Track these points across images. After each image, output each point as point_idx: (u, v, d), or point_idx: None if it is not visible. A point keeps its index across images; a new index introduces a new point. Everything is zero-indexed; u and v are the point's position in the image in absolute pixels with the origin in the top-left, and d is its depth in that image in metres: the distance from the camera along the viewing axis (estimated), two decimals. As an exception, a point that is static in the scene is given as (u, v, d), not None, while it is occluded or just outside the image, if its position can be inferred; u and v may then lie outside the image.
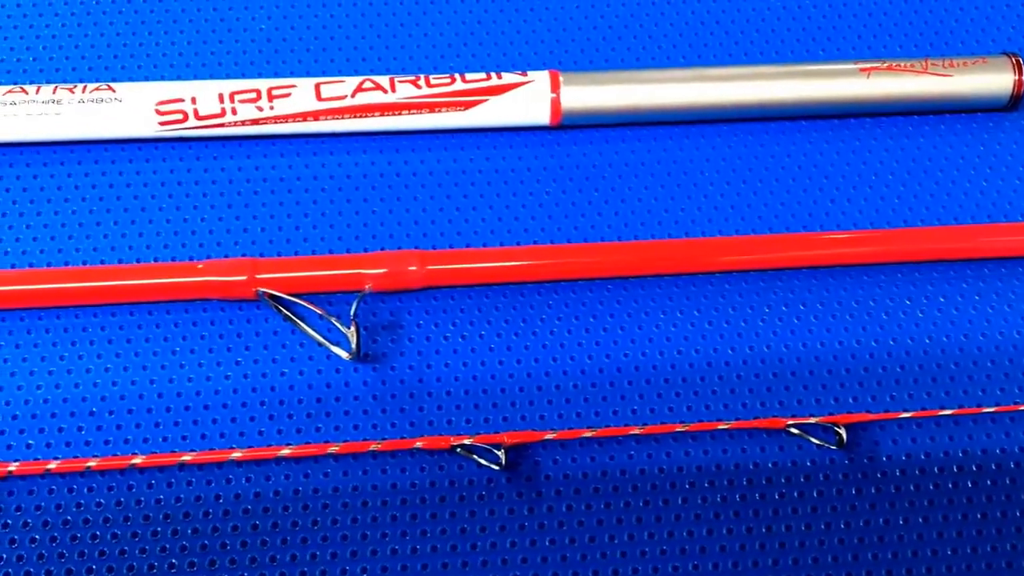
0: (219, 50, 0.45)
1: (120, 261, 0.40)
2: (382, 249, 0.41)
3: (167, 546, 0.36)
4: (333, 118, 0.42)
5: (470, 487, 0.37)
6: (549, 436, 0.37)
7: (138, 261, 0.40)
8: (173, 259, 0.41)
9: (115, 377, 0.38)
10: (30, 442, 0.37)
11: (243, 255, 0.41)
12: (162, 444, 0.37)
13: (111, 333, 0.39)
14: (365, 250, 0.41)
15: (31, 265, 0.40)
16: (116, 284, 0.39)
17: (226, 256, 0.41)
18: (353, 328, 0.38)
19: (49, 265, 0.40)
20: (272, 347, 0.39)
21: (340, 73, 0.44)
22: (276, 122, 0.42)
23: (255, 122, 0.42)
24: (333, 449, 0.37)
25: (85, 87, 0.41)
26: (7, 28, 0.44)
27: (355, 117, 0.42)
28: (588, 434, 0.37)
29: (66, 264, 0.40)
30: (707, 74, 0.43)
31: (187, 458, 0.36)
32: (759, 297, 0.40)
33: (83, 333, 0.39)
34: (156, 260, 0.40)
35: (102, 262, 0.40)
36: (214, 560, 0.36)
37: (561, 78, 0.42)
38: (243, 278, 0.38)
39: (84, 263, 0.40)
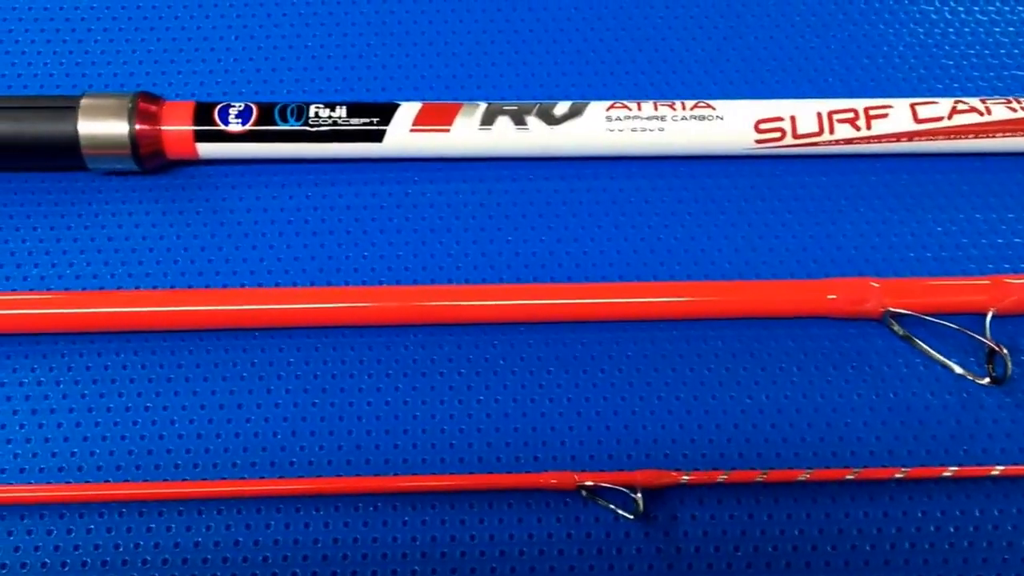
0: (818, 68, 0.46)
1: (706, 277, 0.41)
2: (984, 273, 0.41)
3: (793, 561, 0.36)
4: (928, 139, 0.42)
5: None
6: None
7: (723, 277, 0.41)
8: (773, 276, 0.41)
9: (751, 392, 0.39)
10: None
11: (825, 274, 0.41)
12: (793, 460, 0.38)
13: (733, 346, 0.39)
14: (961, 273, 0.41)
15: (598, 275, 0.41)
16: (739, 298, 0.39)
17: (809, 275, 0.41)
18: (1005, 353, 0.37)
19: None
20: (895, 366, 0.39)
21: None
22: (871, 142, 0.42)
23: (849, 142, 0.42)
24: (947, 473, 0.37)
25: (685, 104, 0.42)
26: (609, 42, 0.45)
27: (949, 138, 0.42)
28: None
29: (653, 279, 0.41)
30: None
31: (804, 477, 0.36)
32: None
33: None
34: (758, 277, 0.41)
35: (688, 277, 0.41)
36: None
37: None
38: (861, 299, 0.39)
39: (653, 279, 0.41)
